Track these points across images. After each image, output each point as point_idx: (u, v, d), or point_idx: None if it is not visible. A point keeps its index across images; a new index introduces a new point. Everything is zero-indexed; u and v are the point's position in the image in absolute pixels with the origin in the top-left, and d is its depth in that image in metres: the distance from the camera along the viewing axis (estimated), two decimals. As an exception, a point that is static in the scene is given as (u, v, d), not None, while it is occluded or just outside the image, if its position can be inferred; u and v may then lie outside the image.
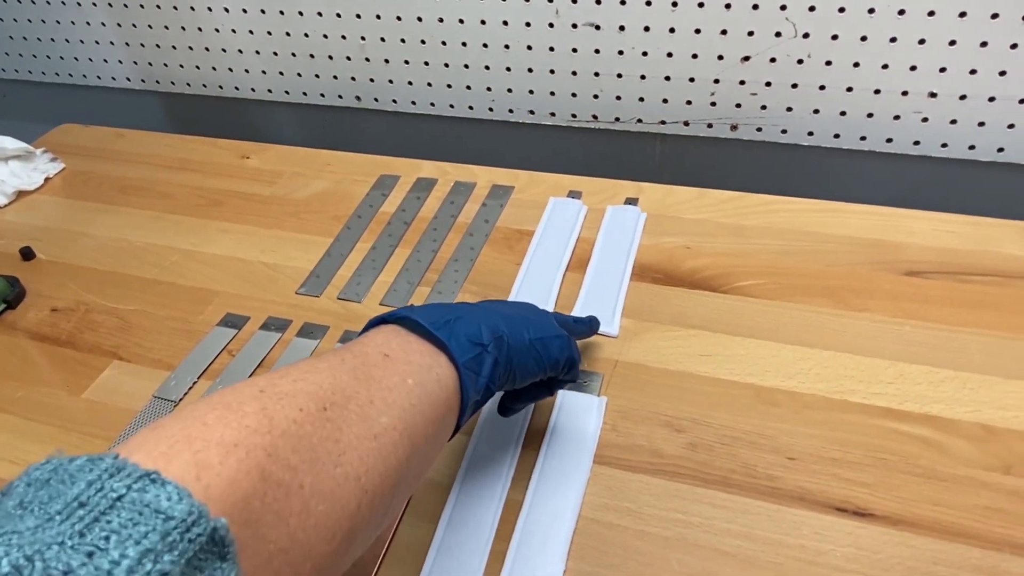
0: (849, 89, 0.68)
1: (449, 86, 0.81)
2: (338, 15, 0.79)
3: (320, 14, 0.80)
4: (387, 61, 0.82)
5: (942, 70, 0.64)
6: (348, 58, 0.83)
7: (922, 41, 0.63)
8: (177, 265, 0.66)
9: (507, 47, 0.76)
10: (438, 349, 0.35)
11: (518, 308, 0.42)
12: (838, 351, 0.51)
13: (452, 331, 0.35)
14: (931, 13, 0.61)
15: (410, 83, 0.83)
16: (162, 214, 0.74)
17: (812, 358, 0.51)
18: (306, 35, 0.83)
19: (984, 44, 0.61)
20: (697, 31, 0.68)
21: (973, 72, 0.63)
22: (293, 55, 0.85)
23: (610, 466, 0.46)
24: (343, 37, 0.81)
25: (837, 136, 0.71)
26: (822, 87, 0.68)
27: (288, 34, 0.83)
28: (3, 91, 1.09)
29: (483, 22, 0.74)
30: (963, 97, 0.65)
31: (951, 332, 0.52)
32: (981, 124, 0.66)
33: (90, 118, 0.97)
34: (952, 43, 0.62)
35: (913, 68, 0.65)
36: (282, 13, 0.81)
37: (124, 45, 0.93)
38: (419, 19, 0.77)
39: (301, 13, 0.81)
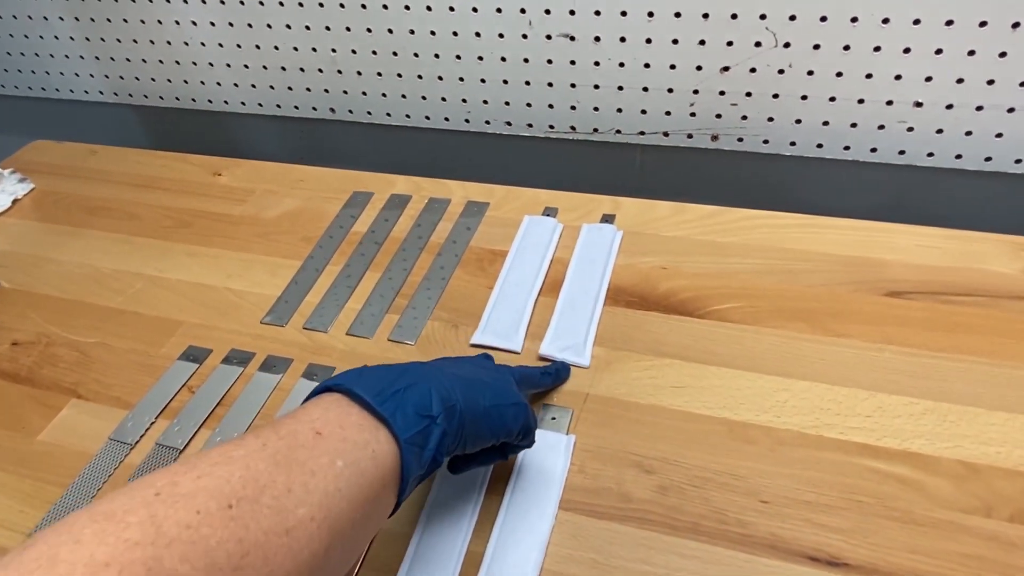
0: (832, 99, 0.65)
1: (424, 98, 0.79)
2: (307, 27, 0.77)
3: (289, 27, 0.78)
4: (359, 73, 0.79)
5: (928, 79, 0.61)
6: (320, 70, 0.81)
7: (907, 50, 0.61)
8: (141, 293, 0.65)
9: (481, 58, 0.73)
10: (380, 423, 0.33)
11: (477, 370, 0.41)
12: (815, 381, 0.50)
13: (399, 403, 0.33)
14: (916, 22, 0.59)
15: (384, 95, 0.81)
16: (129, 236, 0.72)
17: (788, 389, 0.49)
18: (276, 47, 0.80)
19: (971, 53, 0.59)
20: (675, 41, 0.66)
21: (960, 81, 0.61)
22: (265, 67, 0.83)
23: (576, 512, 0.44)
24: (313, 49, 0.79)
25: (820, 146, 0.68)
26: (804, 97, 0.66)
27: (258, 47, 0.81)
28: (-23, 104, 1.07)
29: (455, 33, 0.72)
30: (950, 106, 0.62)
31: (932, 359, 0.50)
32: (968, 133, 0.63)
33: (65, 130, 0.95)
34: (939, 52, 0.60)
35: (898, 77, 0.62)
36: (250, 26, 0.79)
37: (95, 59, 0.90)
38: (390, 31, 0.74)
39: (270, 26, 0.78)
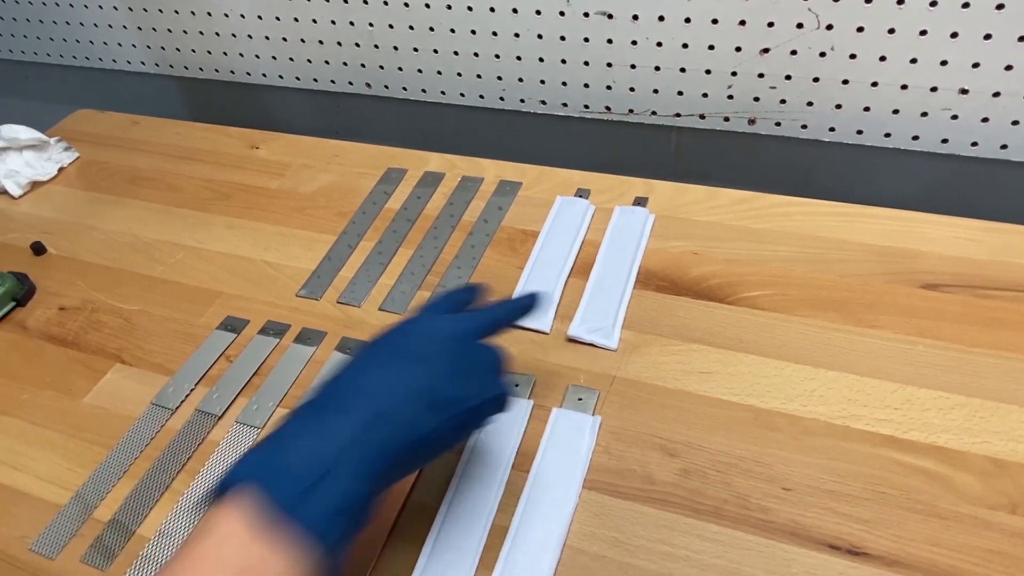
0: (874, 84, 0.64)
1: (459, 75, 0.79)
2: (345, 1, 0.77)
3: (327, 0, 0.78)
4: (396, 48, 0.80)
5: (975, 65, 0.60)
6: (357, 44, 0.81)
7: (954, 35, 0.59)
8: (182, 263, 0.66)
9: (517, 36, 0.73)
10: (291, 538, 0.30)
11: (426, 371, 0.37)
12: (844, 371, 0.50)
13: (312, 508, 0.30)
14: (965, 5, 0.57)
15: (419, 71, 0.81)
16: (170, 207, 0.74)
17: (816, 379, 0.49)
18: (314, 21, 0.81)
19: (1022, 39, 0.57)
20: (714, 21, 0.65)
21: (1008, 68, 0.59)
22: (302, 41, 0.84)
23: (600, 492, 0.45)
24: (351, 23, 0.79)
25: (860, 132, 0.67)
26: (845, 81, 0.65)
27: (296, 19, 0.82)
28: (25, 73, 1.10)
29: (492, 9, 0.72)
30: (997, 94, 0.61)
31: (966, 353, 0.49)
32: (1015, 123, 0.62)
33: (106, 100, 0.97)
34: (987, 37, 0.58)
35: (944, 63, 0.61)
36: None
37: (137, 29, 0.92)
38: (427, 6, 0.74)
39: (308, -1, 0.79)
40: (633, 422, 0.49)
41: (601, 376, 0.52)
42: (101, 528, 0.47)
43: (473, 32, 0.75)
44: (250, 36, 0.86)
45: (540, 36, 0.72)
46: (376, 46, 0.81)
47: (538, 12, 0.70)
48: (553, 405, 0.50)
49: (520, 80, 0.77)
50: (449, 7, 0.74)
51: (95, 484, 0.49)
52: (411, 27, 0.77)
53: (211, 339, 0.58)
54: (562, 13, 0.70)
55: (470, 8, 0.73)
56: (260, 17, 0.83)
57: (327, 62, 0.85)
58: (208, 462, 0.49)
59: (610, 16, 0.68)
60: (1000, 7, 0.56)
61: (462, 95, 0.81)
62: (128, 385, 0.56)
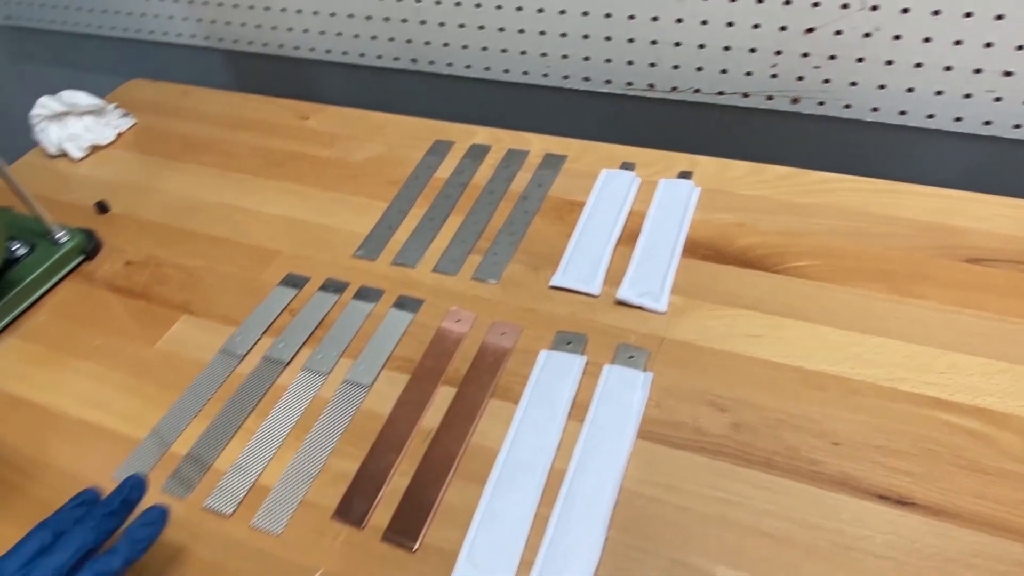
0: (918, 65, 0.65)
1: (504, 50, 0.81)
2: (398, -23, 0.79)
3: (380, -25, 0.80)
4: (442, 24, 0.82)
5: (1020, 48, 0.61)
6: (404, 20, 0.83)
7: (999, 17, 0.60)
8: (240, 224, 0.69)
9: (563, 12, 0.75)
10: None
11: None
12: (890, 338, 0.51)
13: None
14: (1013, -13, 0.59)
15: (465, 47, 0.83)
16: (225, 172, 0.76)
17: (862, 344, 0.51)
18: (366, -5, 0.83)
19: (1068, 22, 0.59)
20: (759, 0, 0.67)
21: (1054, 51, 0.60)
22: (350, 16, 0.86)
23: (653, 441, 0.47)
24: (399, -1, 0.82)
25: (903, 113, 0.69)
26: (889, 62, 0.66)
27: (348, -6, 0.84)
28: (75, 44, 1.13)
29: (543, -13, 0.74)
30: (1041, 77, 0.62)
31: (1010, 324, 0.51)
32: (1059, 105, 0.63)
33: (155, 72, 0.99)
34: (1034, 20, 0.60)
35: (988, 45, 0.62)
36: (343, -26, 0.82)
37: (187, 2, 0.94)
38: (479, -18, 0.76)
39: (361, -26, 0.81)
40: (683, 379, 0.51)
41: (650, 337, 0.54)
42: (178, 462, 0.49)
43: (519, 9, 0.77)
44: (299, 11, 0.88)
45: (586, 13, 0.74)
46: (422, 22, 0.83)
47: (587, -11, 0.72)
48: (604, 362, 0.52)
49: (564, 57, 0.79)
50: (501, -16, 0.75)
51: (170, 422, 0.52)
52: (457, 3, 0.79)
53: (274, 294, 0.61)
54: (611, -10, 0.71)
55: (521, -15, 0.75)
56: (313, -9, 0.85)
57: (374, 37, 0.87)
58: (278, 405, 0.52)
59: (659, -6, 0.70)
60: (1048, -10, 0.58)
61: (506, 71, 0.83)
62: (196, 334, 0.59)
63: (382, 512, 0.45)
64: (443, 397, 0.51)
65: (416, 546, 0.43)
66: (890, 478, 0.44)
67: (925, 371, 0.49)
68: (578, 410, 0.49)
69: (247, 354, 0.56)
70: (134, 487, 0.42)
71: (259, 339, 0.57)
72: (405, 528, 0.44)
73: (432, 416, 0.50)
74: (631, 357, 0.52)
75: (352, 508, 0.45)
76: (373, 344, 0.56)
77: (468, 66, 0.85)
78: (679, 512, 0.43)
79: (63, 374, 0.57)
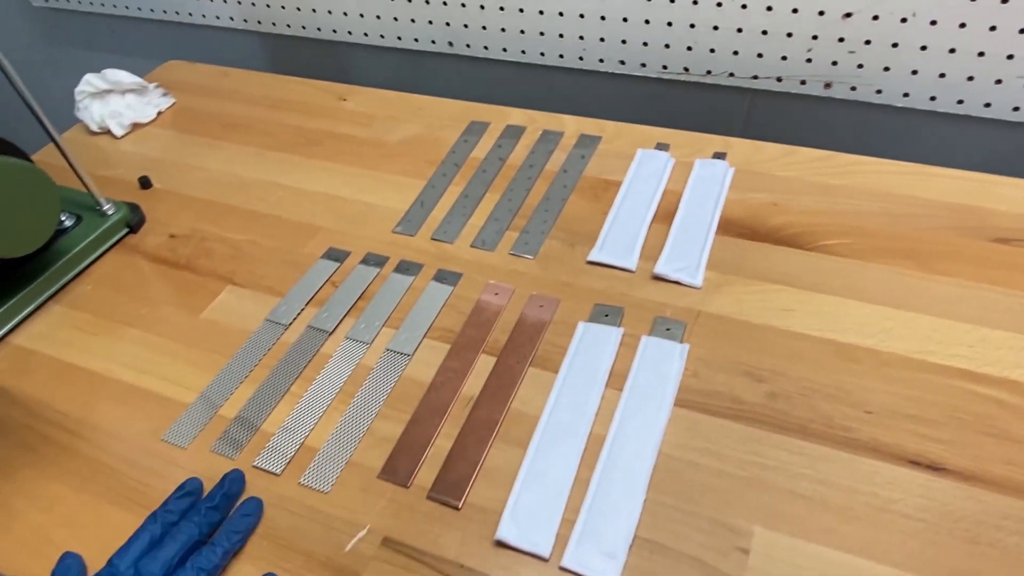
0: (952, 51, 0.66)
1: (541, 34, 0.82)
2: (435, -40, 0.81)
3: (417, -41, 0.81)
4: (482, 7, 0.83)
5: (1055, 33, 0.62)
6: (444, 3, 0.85)
7: (1037, 2, 0.61)
8: (282, 200, 0.71)
9: (601, -4, 0.76)
10: None
11: None
12: (920, 312, 0.52)
13: None
14: (1050, -28, 0.59)
15: (503, 30, 0.84)
16: (265, 151, 0.78)
17: (893, 318, 0.52)
18: (403, -21, 0.84)
19: (1105, 7, 0.59)
20: (798, -15, 0.67)
21: (1089, 36, 0.61)
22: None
23: (690, 409, 0.48)
24: (438, -17, 0.83)
25: (933, 99, 0.69)
26: (923, 47, 0.67)
27: (385, -22, 0.85)
28: (112, 26, 1.15)
29: (579, -29, 0.75)
30: (1075, 62, 0.63)
31: (1039, 301, 0.52)
32: (1092, 91, 0.64)
33: (193, 55, 1.01)
34: (1069, 5, 0.60)
35: (1022, 31, 0.63)
36: (381, -43, 0.83)
37: (227, -15, 0.96)
38: (515, -34, 0.78)
39: (399, -42, 0.82)
40: (719, 351, 0.52)
41: (686, 310, 0.55)
42: (227, 423, 0.51)
43: (557, -7, 0.78)
44: (337, -6, 0.90)
45: (623, -3, 0.75)
46: (462, 4, 0.84)
47: (624, -26, 0.73)
48: (641, 334, 0.53)
49: (601, 40, 0.80)
50: (536, -33, 0.77)
51: (218, 386, 0.54)
52: (496, -13, 0.80)
53: (316, 267, 0.62)
54: (647, -25, 0.72)
55: (557, -31, 0.76)
56: (350, -25, 0.87)
57: (412, 20, 0.88)
58: (323, 371, 0.54)
59: (695, -21, 0.71)
60: (1085, -25, 0.58)
61: (542, 54, 0.84)
62: (241, 304, 0.60)
63: (426, 472, 0.47)
64: (483, 365, 0.53)
65: (461, 504, 0.45)
66: (921, 445, 0.45)
67: (954, 344, 0.50)
68: (616, 379, 0.51)
69: (291, 323, 0.58)
70: (234, 481, 0.46)
71: (303, 309, 0.59)
72: (449, 487, 0.46)
73: (473, 383, 0.52)
74: (668, 329, 0.53)
75: (397, 468, 0.47)
76: (414, 315, 0.57)
77: (504, 49, 0.86)
78: (717, 475, 0.45)
79: (110, 340, 0.59)
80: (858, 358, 0.50)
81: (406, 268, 0.61)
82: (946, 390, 0.47)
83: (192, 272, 0.64)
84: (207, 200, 0.72)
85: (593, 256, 0.60)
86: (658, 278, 0.58)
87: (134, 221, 0.69)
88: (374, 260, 0.63)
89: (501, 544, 0.43)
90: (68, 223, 0.67)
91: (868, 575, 0.40)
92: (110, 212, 0.68)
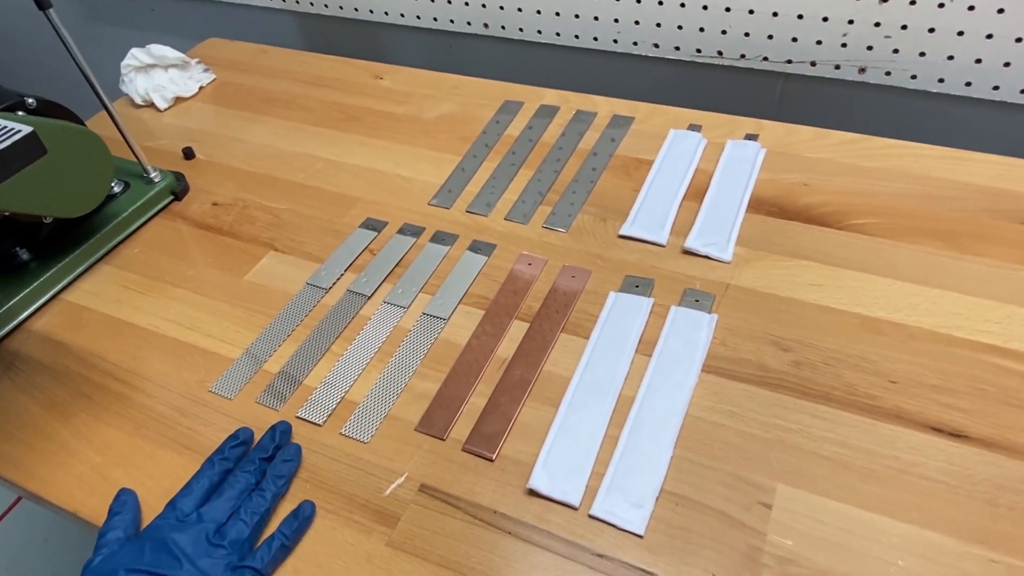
0: (989, 36, 0.66)
1: (576, 16, 0.84)
2: (474, -58, 0.82)
3: (457, -59, 0.83)
4: (517, -11, 0.85)
5: (1092, 19, 0.62)
6: (479, -15, 0.86)
7: (1074, -12, 0.61)
8: (321, 172, 0.73)
9: (637, -21, 0.77)
10: None
11: None
12: (948, 290, 0.53)
13: None
14: (1088, -42, 0.59)
15: (538, 12, 0.85)
16: (304, 125, 0.80)
17: (921, 295, 0.53)
18: (440, -39, 0.86)
19: None
20: (834, -30, 0.68)
21: None
22: (426, -19, 0.89)
23: (717, 375, 0.50)
24: (476, -36, 0.84)
25: (968, 84, 0.70)
26: (960, 33, 0.67)
27: (424, -40, 0.87)
28: (152, 5, 1.18)
29: (616, -47, 0.76)
30: (1112, 48, 0.63)
31: (1068, 281, 0.53)
32: None
33: (230, 35, 1.04)
34: (1107, -9, 0.60)
35: (1061, 16, 0.63)
36: (421, -61, 0.85)
37: (269, -34, 0.98)
38: (553, -51, 0.79)
39: (439, -61, 0.84)
40: (747, 322, 0.53)
41: (716, 283, 0.56)
42: (271, 378, 0.54)
43: (593, -24, 0.79)
44: (376, -25, 0.92)
45: (659, -19, 0.76)
46: (497, -13, 0.86)
47: (660, -43, 0.74)
48: (671, 304, 0.55)
49: (636, 23, 0.81)
50: (574, -50, 0.78)
51: (263, 344, 0.56)
52: (533, -31, 0.82)
53: (355, 235, 0.64)
54: (684, -42, 0.73)
55: (594, -49, 0.77)
56: (389, -44, 0.89)
57: (449, 1, 0.90)
58: (362, 332, 0.56)
59: (731, -38, 0.72)
60: (1124, -39, 0.58)
61: (576, 36, 0.86)
62: (283, 268, 0.63)
63: (462, 426, 0.49)
64: (517, 330, 0.55)
65: (495, 456, 0.47)
66: (944, 413, 0.46)
67: (981, 320, 0.51)
68: (646, 346, 0.52)
69: (331, 288, 0.60)
70: (284, 432, 0.48)
71: (342, 274, 0.61)
72: (484, 440, 0.47)
73: (506, 347, 0.54)
74: (697, 300, 0.55)
75: (434, 422, 0.49)
76: (449, 282, 0.59)
77: (539, 31, 0.87)
78: (742, 436, 0.46)
79: (157, 299, 0.62)
80: (884, 331, 0.51)
81: (442, 238, 0.63)
82: (971, 363, 0.48)
83: (235, 238, 0.67)
84: (248, 171, 0.74)
85: (625, 230, 0.62)
86: (688, 252, 0.59)
87: (179, 189, 0.72)
88: (411, 230, 0.65)
89: (533, 493, 0.44)
90: (117, 189, 0.70)
91: (888, 532, 0.41)
92: (156, 180, 0.71)
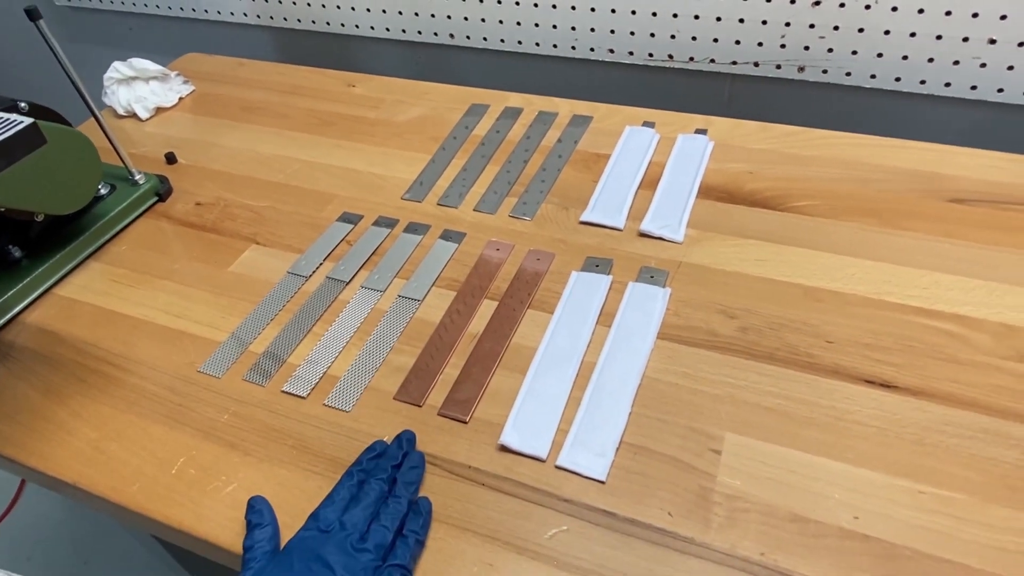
0: (912, 35, 0.73)
1: (536, 25, 0.89)
2: (440, -43, 0.87)
3: (424, -45, 0.88)
4: (480, 1, 0.89)
5: (1002, 17, 0.68)
6: (446, -3, 0.91)
7: (986, -11, 0.67)
8: (299, 172, 0.77)
9: (593, -11, 0.83)
10: None
11: None
12: (880, 261, 0.58)
13: None
14: (996, -38, 0.66)
15: (500, 22, 0.90)
16: (282, 131, 0.84)
17: (856, 266, 0.58)
18: (409, -25, 0.91)
19: (1045, -7, 0.66)
20: (772, -23, 0.74)
21: (1033, 20, 0.68)
22: (395, -6, 0.94)
23: (671, 341, 0.54)
24: (443, -22, 0.89)
25: (898, 79, 0.76)
26: (887, 32, 0.73)
27: (393, -26, 0.92)
28: (130, 24, 1.21)
29: (573, -35, 0.81)
30: (1021, 44, 0.69)
31: (986, 250, 0.58)
32: (1038, 70, 0.70)
33: (207, 50, 1.07)
34: (1015, -9, 0.67)
35: (975, 15, 0.69)
36: (389, -46, 0.90)
37: (244, -18, 1.03)
38: (514, -38, 0.84)
39: (407, -46, 0.89)
40: (697, 294, 0.58)
41: (669, 262, 0.61)
42: (256, 358, 0.57)
43: (552, -13, 0.84)
44: (347, -11, 0.96)
45: (613, -10, 0.82)
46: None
47: (614, -32, 0.80)
48: (629, 280, 0.59)
49: (592, 30, 0.86)
50: (534, -38, 0.83)
51: (247, 327, 0.59)
52: (496, -18, 0.87)
53: (332, 228, 0.68)
54: (636, -31, 0.79)
55: (553, -36, 0.82)
56: (360, -29, 0.93)
57: (416, 14, 0.95)
58: (341, 314, 0.59)
59: (679, -28, 0.77)
60: (1027, -36, 0.65)
61: (537, 44, 0.91)
62: (264, 260, 0.66)
63: (437, 394, 0.53)
64: (486, 308, 0.59)
65: (468, 418, 0.50)
66: (876, 368, 0.51)
67: (910, 287, 0.56)
68: (606, 318, 0.57)
69: (311, 275, 0.64)
70: (409, 440, 0.49)
71: (321, 263, 0.65)
72: (458, 405, 0.51)
73: (477, 323, 0.58)
74: (652, 277, 0.59)
75: (411, 391, 0.53)
76: (423, 268, 0.63)
77: (502, 40, 0.92)
78: (693, 393, 0.50)
79: (145, 290, 0.65)
80: (823, 299, 0.56)
81: (414, 229, 0.67)
82: (901, 324, 0.53)
83: (218, 234, 0.70)
84: (229, 173, 0.78)
85: (585, 216, 0.66)
86: (644, 235, 0.64)
87: (163, 190, 0.75)
88: (385, 222, 0.68)
89: (504, 449, 0.48)
90: (104, 191, 0.73)
91: (826, 470, 0.45)
92: (141, 182, 0.74)
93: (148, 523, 0.48)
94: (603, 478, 0.46)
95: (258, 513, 0.46)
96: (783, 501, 0.44)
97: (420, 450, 0.49)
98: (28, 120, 0.53)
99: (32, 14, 0.61)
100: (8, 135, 0.51)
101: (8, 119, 0.53)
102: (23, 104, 0.60)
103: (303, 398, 0.53)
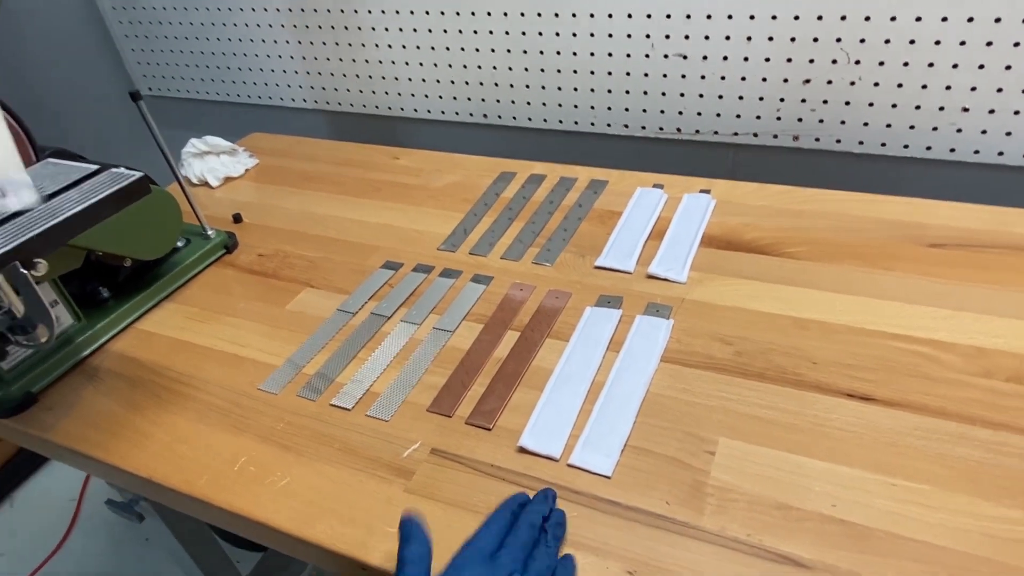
0: (894, 105, 0.81)
1: (559, 105, 1.00)
2: (476, 49, 1.00)
3: (463, 49, 1.01)
4: (511, 86, 1.02)
5: (973, 89, 0.77)
6: (480, 83, 1.04)
7: (955, 65, 0.77)
8: (348, 229, 0.87)
9: (610, 73, 0.94)
10: None
11: None
12: (863, 296, 0.65)
13: None
14: (962, 43, 0.75)
15: (528, 103, 1.02)
16: (334, 195, 0.95)
17: (841, 301, 0.65)
18: (449, 65, 1.04)
19: (1008, 68, 0.75)
20: (767, 59, 0.84)
21: (999, 91, 0.76)
22: (437, 81, 1.07)
23: (673, 363, 0.61)
24: (478, 67, 1.02)
25: (883, 144, 0.84)
26: (871, 104, 0.82)
27: (435, 64, 1.05)
28: (204, 111, 1.37)
29: (592, 54, 0.93)
30: (992, 111, 0.78)
31: (960, 286, 0.64)
32: (1008, 134, 0.78)
33: (271, 131, 1.22)
34: (981, 67, 0.76)
35: (948, 88, 0.78)
36: (433, 49, 1.03)
37: (305, 73, 1.17)
38: (540, 52, 0.96)
39: (447, 48, 1.02)
40: (698, 325, 0.65)
41: (673, 298, 0.68)
42: (308, 378, 0.65)
43: (575, 71, 0.96)
44: (396, 78, 1.10)
45: (628, 74, 0.93)
46: (495, 84, 1.03)
47: (628, 55, 0.91)
48: (636, 314, 0.67)
49: (609, 108, 0.97)
50: (558, 53, 0.95)
51: (301, 353, 0.68)
52: (525, 68, 0.99)
53: (376, 274, 0.78)
54: (647, 55, 0.90)
55: (574, 53, 0.94)
56: (407, 63, 1.07)
57: (454, 98, 1.07)
58: (383, 342, 0.68)
59: (685, 57, 0.88)
60: (989, 44, 0.74)
61: (560, 121, 1.02)
62: (317, 300, 0.75)
63: (465, 407, 0.60)
64: (510, 337, 0.66)
65: (492, 426, 0.57)
66: (856, 383, 0.57)
67: (889, 317, 0.62)
68: (615, 345, 0.64)
69: (358, 312, 0.72)
70: (553, 496, 0.51)
71: (366, 302, 0.74)
72: (483, 415, 0.58)
73: (502, 349, 0.65)
74: (657, 311, 0.67)
75: (443, 404, 0.60)
76: (455, 305, 0.71)
77: (529, 119, 1.04)
78: (692, 406, 0.57)
79: (214, 325, 0.74)
80: (809, 327, 0.63)
81: (448, 274, 0.76)
82: (880, 347, 0.60)
83: (277, 279, 0.80)
84: (288, 230, 0.89)
85: (599, 262, 0.74)
86: (651, 277, 0.71)
87: (230, 244, 0.86)
88: (423, 268, 0.78)
89: (523, 450, 0.55)
90: (180, 244, 0.84)
91: (808, 467, 0.51)
92: (212, 236, 0.85)
93: (213, 511, 0.55)
94: (609, 474, 0.52)
95: (408, 534, 0.46)
96: (769, 492, 0.50)
97: (562, 509, 0.51)
98: (140, 173, 0.64)
99: (134, 96, 0.74)
100: (124, 184, 0.62)
101: (122, 172, 0.64)
102: (121, 168, 0.71)
103: (348, 410, 0.61)
